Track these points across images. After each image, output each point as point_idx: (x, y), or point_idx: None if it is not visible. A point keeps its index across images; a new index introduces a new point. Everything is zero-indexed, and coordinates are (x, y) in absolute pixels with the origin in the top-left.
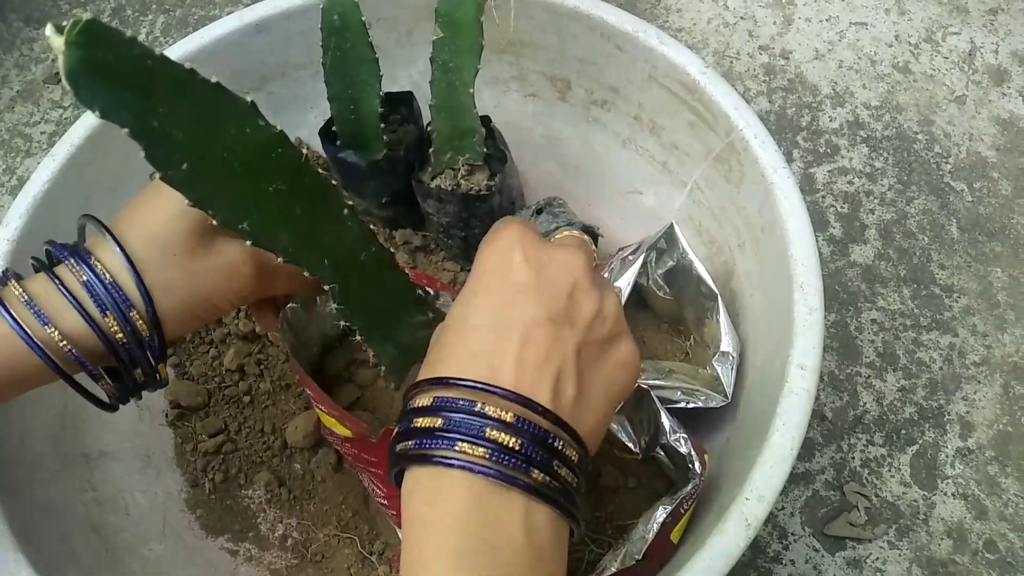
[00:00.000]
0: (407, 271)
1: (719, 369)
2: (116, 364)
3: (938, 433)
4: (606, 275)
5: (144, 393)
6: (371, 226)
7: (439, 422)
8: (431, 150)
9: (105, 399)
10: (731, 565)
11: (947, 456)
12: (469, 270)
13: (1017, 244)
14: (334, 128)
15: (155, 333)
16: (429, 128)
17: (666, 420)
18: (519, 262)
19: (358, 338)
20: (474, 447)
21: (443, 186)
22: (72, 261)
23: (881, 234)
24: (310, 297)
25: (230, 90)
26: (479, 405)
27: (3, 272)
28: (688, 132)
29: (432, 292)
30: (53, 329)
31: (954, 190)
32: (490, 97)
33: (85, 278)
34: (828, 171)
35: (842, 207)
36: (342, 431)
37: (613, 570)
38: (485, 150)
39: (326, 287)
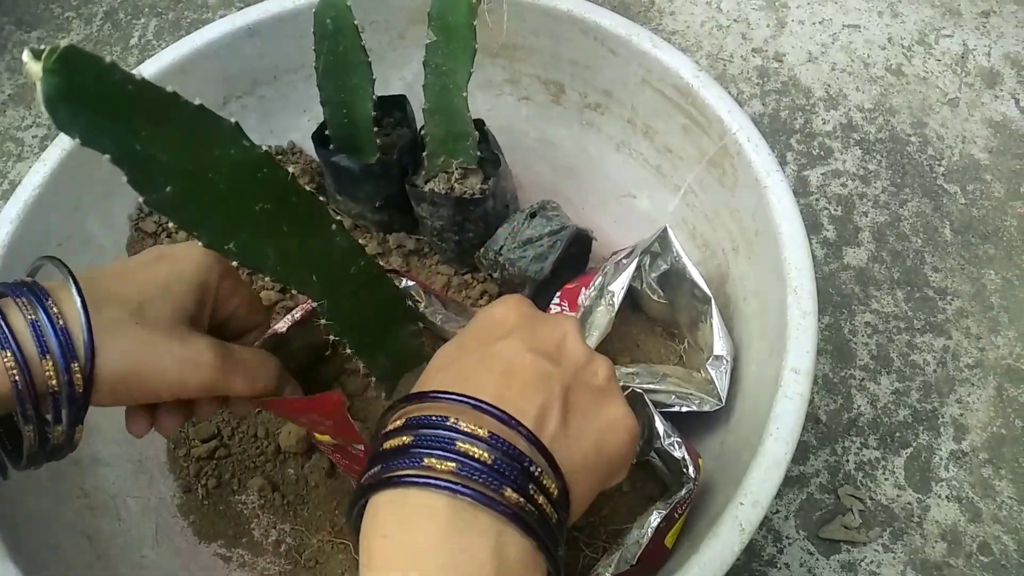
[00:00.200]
0: (400, 271)
1: (713, 373)
2: (20, 419)
3: (932, 436)
4: (600, 279)
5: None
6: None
7: (408, 439)
8: (424, 154)
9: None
10: (726, 570)
11: (941, 459)
12: (463, 274)
13: (1010, 246)
14: (327, 132)
15: (85, 392)
16: (422, 132)
17: (660, 424)
18: (512, 314)
19: (348, 351)
20: (443, 462)
21: (437, 190)
22: (24, 299)
23: (874, 237)
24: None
25: (213, 112)
26: (452, 419)
27: None
28: (681, 135)
29: (425, 293)
30: None
31: (947, 192)
32: (483, 100)
33: (33, 317)
34: (821, 174)
35: (836, 210)
36: (327, 439)
37: (607, 575)
38: (479, 154)
39: (315, 304)
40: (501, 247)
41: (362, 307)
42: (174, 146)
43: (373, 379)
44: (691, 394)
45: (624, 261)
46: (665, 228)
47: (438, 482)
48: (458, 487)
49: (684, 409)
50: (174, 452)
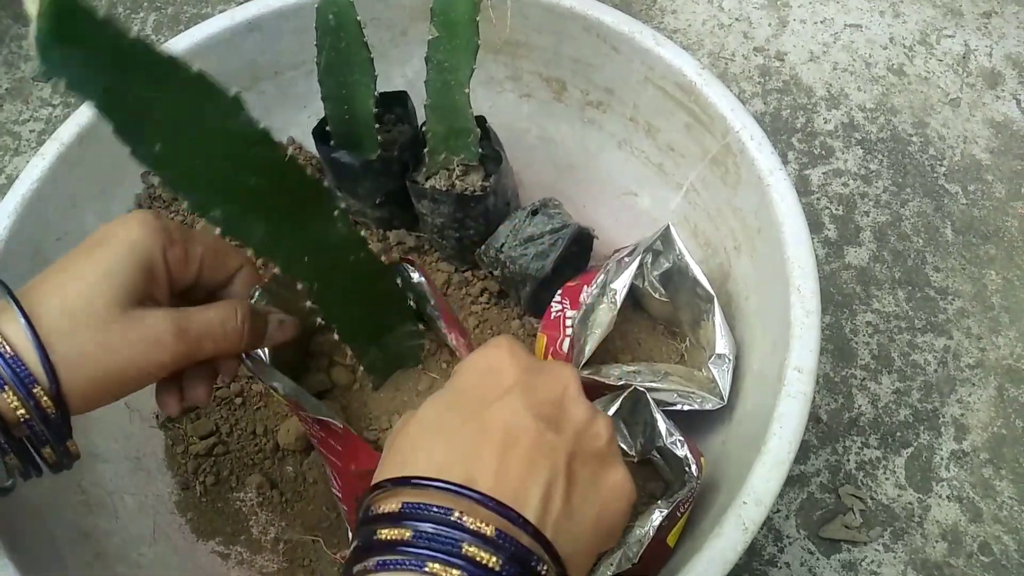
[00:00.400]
0: (413, 263)
1: (715, 371)
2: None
3: (933, 436)
4: (601, 277)
5: (131, 400)
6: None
7: (408, 534)
8: (425, 150)
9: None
10: (728, 569)
11: (942, 459)
12: (463, 271)
13: (1011, 247)
14: (328, 128)
15: (59, 411)
16: (424, 128)
17: (662, 423)
18: (508, 364)
19: (335, 337)
20: (448, 568)
21: (437, 187)
22: None
23: (876, 236)
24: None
25: (214, 81)
26: (456, 514)
27: None
28: (684, 134)
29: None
30: None
31: (948, 192)
32: (485, 97)
33: None
34: (823, 173)
35: (837, 209)
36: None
37: (609, 574)
38: (480, 150)
39: (300, 285)
40: (502, 245)
41: (358, 299)
42: (169, 105)
43: (361, 368)
44: (693, 392)
45: (626, 259)
46: (668, 226)
47: None
48: None
49: (686, 407)
50: (172, 449)
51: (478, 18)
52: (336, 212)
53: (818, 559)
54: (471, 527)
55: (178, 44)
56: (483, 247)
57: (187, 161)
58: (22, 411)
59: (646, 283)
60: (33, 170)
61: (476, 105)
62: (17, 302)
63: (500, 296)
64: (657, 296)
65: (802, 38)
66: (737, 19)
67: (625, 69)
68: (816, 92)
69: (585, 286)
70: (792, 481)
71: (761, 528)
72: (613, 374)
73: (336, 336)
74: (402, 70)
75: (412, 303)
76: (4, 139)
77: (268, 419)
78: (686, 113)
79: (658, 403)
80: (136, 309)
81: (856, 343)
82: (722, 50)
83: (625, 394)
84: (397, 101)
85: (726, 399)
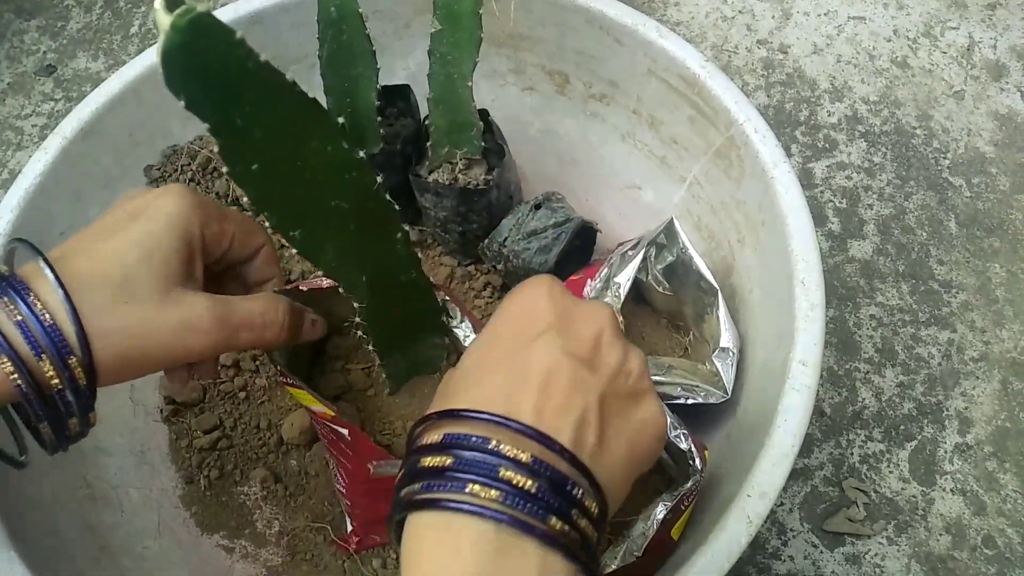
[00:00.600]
0: (442, 292)
1: (719, 365)
2: (34, 419)
3: (937, 429)
4: (605, 270)
5: (136, 394)
6: None
7: (449, 461)
8: (428, 144)
9: (16, 455)
10: (732, 562)
11: (946, 452)
12: (466, 265)
13: (1015, 240)
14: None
15: (89, 383)
16: (426, 122)
17: (666, 416)
18: (544, 307)
19: (370, 348)
20: (487, 489)
21: (440, 180)
22: (6, 299)
23: (879, 229)
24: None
25: (323, 107)
26: (494, 442)
27: None
28: (687, 126)
29: (458, 316)
30: None
31: (952, 185)
32: (488, 90)
33: (19, 318)
34: (826, 166)
35: (840, 202)
36: (324, 409)
37: (613, 567)
38: (483, 144)
39: (356, 304)
40: (505, 239)
41: (400, 314)
42: (274, 126)
43: (382, 373)
44: (697, 386)
45: (630, 253)
46: (671, 219)
47: (483, 511)
48: (504, 517)
49: (690, 401)
50: (176, 443)
51: (481, 11)
52: (399, 234)
53: (822, 552)
54: (509, 454)
55: None
56: (486, 241)
57: (280, 182)
58: (56, 381)
59: (650, 277)
60: (36, 164)
61: (479, 98)
62: (51, 267)
63: (503, 290)
64: (661, 290)
65: (805, 30)
66: (740, 11)
67: (628, 62)
68: (820, 85)
69: (589, 280)
70: (796, 474)
71: (765, 521)
72: None
73: (371, 347)
74: (405, 63)
75: (445, 319)
76: (6, 134)
77: (272, 413)
78: (690, 106)
79: (662, 397)
80: (176, 289)
81: (860, 336)
82: (725, 43)
83: None
84: (400, 94)
85: (730, 393)
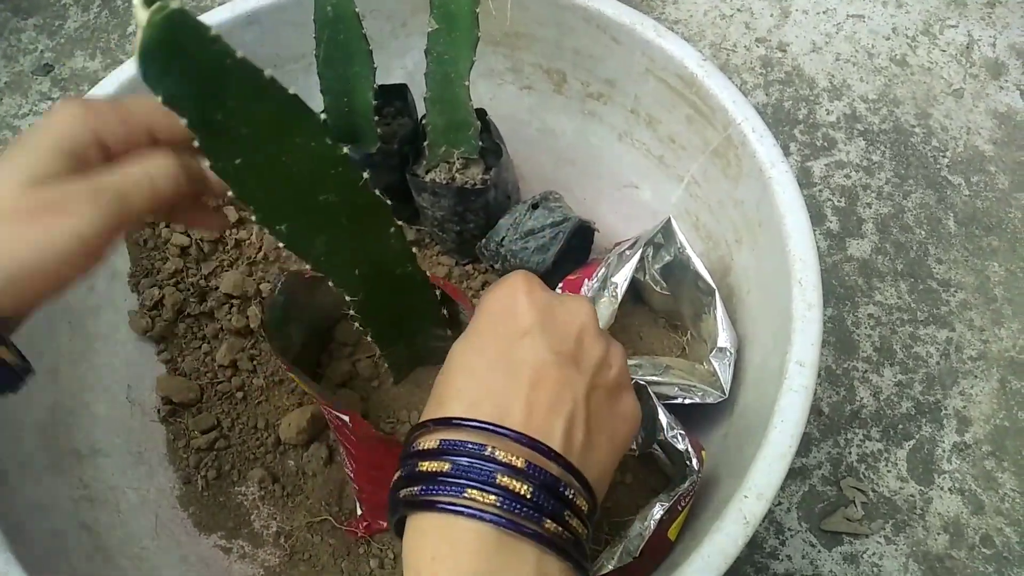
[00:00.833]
0: (440, 281)
1: (716, 365)
2: None
3: (935, 428)
4: (603, 270)
5: (133, 394)
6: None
7: (446, 467)
8: (425, 143)
9: None
10: (729, 563)
11: (944, 451)
12: (464, 264)
13: (1014, 238)
14: (327, 121)
15: None
16: (423, 121)
17: (663, 416)
18: (525, 305)
19: (369, 339)
20: (484, 494)
21: (438, 180)
22: None
23: (878, 228)
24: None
25: (304, 103)
26: (488, 449)
27: None
28: (685, 125)
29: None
30: None
31: (951, 184)
32: (485, 89)
33: None
34: (825, 165)
35: (839, 201)
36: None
37: (610, 568)
38: (480, 143)
39: (348, 298)
40: (503, 238)
41: (397, 307)
42: (257, 122)
43: (385, 362)
44: (694, 386)
45: (627, 252)
46: (669, 219)
47: (482, 514)
48: (503, 520)
49: (687, 401)
50: (173, 443)
51: (478, 10)
52: (393, 228)
53: (820, 552)
54: (503, 460)
55: None
56: (484, 240)
57: (264, 177)
58: None
59: (647, 276)
60: None
61: (476, 98)
62: None
63: None
64: (658, 289)
65: (804, 29)
66: (739, 9)
67: (626, 61)
68: (818, 83)
69: (586, 279)
70: (794, 474)
71: (762, 521)
72: None
73: (369, 338)
74: (402, 62)
75: (446, 313)
76: (3, 133)
77: (269, 413)
78: (687, 105)
79: (659, 396)
80: (44, 184)
81: (858, 335)
82: (723, 41)
83: None
84: (397, 94)
85: (727, 393)
